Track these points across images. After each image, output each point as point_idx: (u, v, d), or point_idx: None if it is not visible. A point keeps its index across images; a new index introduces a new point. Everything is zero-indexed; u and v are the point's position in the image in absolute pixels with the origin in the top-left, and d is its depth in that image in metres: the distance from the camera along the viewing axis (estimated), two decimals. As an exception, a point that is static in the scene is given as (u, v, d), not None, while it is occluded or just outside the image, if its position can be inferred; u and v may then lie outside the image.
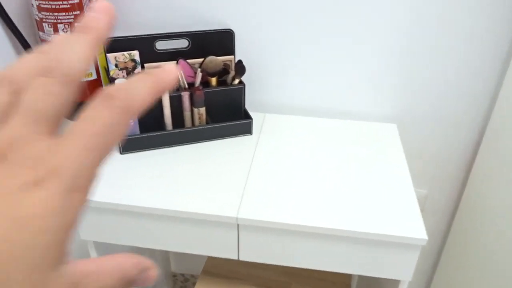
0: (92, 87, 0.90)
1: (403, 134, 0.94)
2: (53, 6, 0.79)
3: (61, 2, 0.79)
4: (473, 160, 0.99)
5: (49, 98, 0.17)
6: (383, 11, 0.86)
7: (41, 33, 0.83)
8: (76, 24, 0.19)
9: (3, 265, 0.14)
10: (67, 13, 0.80)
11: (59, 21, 0.80)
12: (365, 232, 0.67)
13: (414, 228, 0.67)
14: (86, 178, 0.16)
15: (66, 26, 0.81)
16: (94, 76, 0.89)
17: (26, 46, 0.89)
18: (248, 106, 0.95)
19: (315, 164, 0.82)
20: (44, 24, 0.81)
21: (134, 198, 0.72)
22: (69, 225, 0.15)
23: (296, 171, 0.80)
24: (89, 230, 0.77)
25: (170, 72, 0.19)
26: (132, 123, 0.82)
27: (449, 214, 1.10)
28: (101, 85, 0.91)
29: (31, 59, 0.18)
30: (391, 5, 0.85)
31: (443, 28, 0.86)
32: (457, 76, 0.91)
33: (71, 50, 0.18)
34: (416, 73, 0.92)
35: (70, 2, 0.79)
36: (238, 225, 0.70)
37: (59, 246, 0.15)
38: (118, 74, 0.86)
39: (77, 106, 0.18)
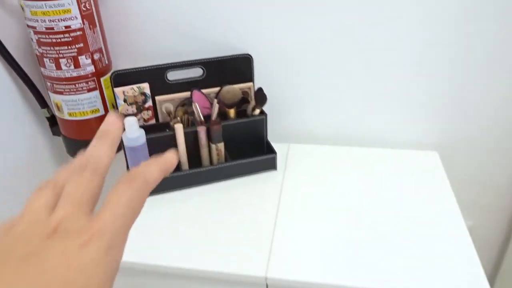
0: (100, 123, 0.82)
1: (445, 161, 0.84)
2: (54, 40, 0.71)
3: (62, 36, 0.71)
4: (526, 188, 0.88)
5: (84, 185, 0.23)
6: (418, 30, 0.76)
7: (42, 69, 0.76)
8: (97, 133, 0.27)
9: None
10: (69, 47, 0.73)
11: (61, 55, 0.73)
12: (418, 292, 0.57)
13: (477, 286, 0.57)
14: (120, 238, 0.22)
15: (69, 60, 0.74)
16: (102, 112, 0.81)
17: (28, 83, 0.82)
18: (270, 135, 0.86)
19: (351, 204, 0.72)
20: (45, 59, 0.74)
21: (144, 255, 0.64)
22: (112, 273, 0.21)
23: (330, 214, 0.70)
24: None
25: (172, 159, 0.27)
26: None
27: (497, 248, 0.98)
28: (110, 121, 0.84)
29: (67, 166, 0.25)
30: (429, 23, 0.75)
31: (489, 45, 0.75)
32: (505, 97, 0.80)
33: (96, 151, 0.25)
34: (456, 93, 0.82)
35: (72, 34, 0.72)
36: (267, 285, 0.61)
37: None
38: (127, 110, 0.78)
39: (86, 143, 0.26)
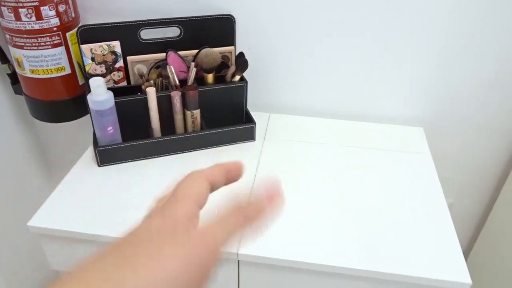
0: (66, 83, 0.76)
1: (430, 139, 0.81)
2: (12, -14, 0.64)
3: (21, -19, 0.64)
4: (509, 170, 0.86)
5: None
6: (408, 8, 0.71)
7: (0, 19, 0.69)
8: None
9: None
10: (29, -5, 0.65)
11: (20, 4, 0.66)
12: (393, 273, 0.55)
13: (455, 270, 0.55)
14: None
15: (30, 11, 0.66)
16: (68, 71, 0.75)
17: (-15, 33, 0.75)
18: (250, 105, 0.81)
19: (331, 180, 0.69)
20: (2, 8, 0.67)
21: (116, 227, 0.60)
22: None
23: (308, 190, 0.67)
24: (61, 261, 0.65)
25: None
26: (111, 130, 0.68)
27: (474, 227, 0.98)
28: (76, 81, 0.77)
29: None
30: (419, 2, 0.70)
31: (479, 25, 0.71)
32: (494, 77, 0.77)
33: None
34: (446, 71, 0.78)
35: (32, -19, 0.64)
36: (238, 261, 0.58)
37: None
38: (95, 69, 0.72)
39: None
